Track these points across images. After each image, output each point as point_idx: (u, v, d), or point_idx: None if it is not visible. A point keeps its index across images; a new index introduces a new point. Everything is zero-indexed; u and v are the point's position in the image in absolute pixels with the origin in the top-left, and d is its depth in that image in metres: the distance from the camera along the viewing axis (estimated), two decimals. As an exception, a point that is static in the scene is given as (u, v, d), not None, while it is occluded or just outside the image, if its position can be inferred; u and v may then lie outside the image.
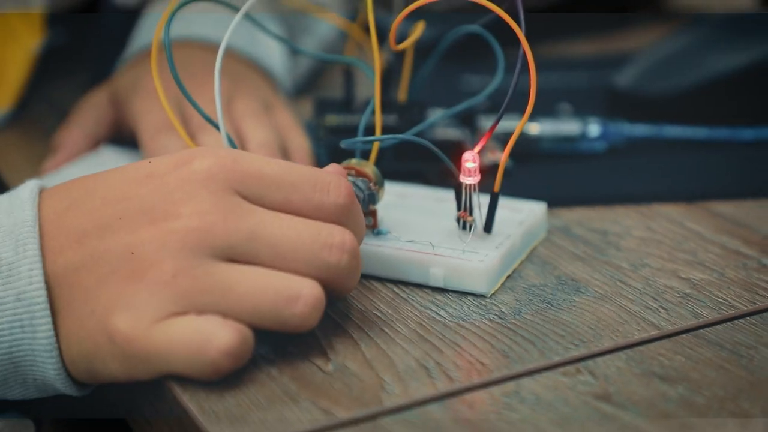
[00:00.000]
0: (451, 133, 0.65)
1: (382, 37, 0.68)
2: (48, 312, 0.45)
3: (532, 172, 0.64)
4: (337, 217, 0.47)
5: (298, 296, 0.44)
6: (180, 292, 0.44)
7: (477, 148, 0.52)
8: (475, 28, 0.59)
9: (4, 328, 0.45)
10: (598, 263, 0.54)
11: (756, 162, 0.65)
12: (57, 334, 0.45)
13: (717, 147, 0.67)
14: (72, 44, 0.85)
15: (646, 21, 0.97)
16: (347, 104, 0.69)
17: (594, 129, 0.66)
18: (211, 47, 0.70)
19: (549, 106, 0.70)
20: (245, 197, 0.46)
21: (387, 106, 0.65)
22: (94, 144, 0.67)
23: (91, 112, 0.68)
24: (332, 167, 0.50)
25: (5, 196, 0.48)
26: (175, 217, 0.45)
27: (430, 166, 0.63)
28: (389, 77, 0.69)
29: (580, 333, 0.48)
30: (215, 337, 0.43)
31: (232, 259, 0.45)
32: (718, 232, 0.57)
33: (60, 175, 0.63)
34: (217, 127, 0.53)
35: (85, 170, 0.61)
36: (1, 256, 0.45)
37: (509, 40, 0.54)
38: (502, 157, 0.52)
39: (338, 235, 0.46)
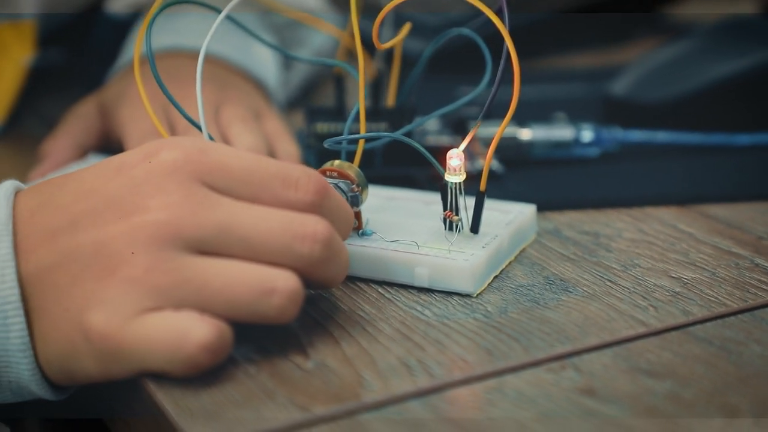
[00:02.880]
0: (443, 139, 0.65)
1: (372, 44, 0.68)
2: (21, 311, 0.44)
3: (524, 177, 0.64)
4: (307, 212, 0.46)
5: (274, 288, 0.43)
6: (153, 288, 0.43)
7: (461, 146, 0.51)
8: (464, 30, 0.58)
9: None
10: (587, 264, 0.53)
11: (750, 166, 0.65)
12: (32, 335, 0.44)
13: (711, 152, 0.66)
14: (66, 62, 0.84)
15: (645, 33, 0.97)
16: (338, 112, 0.68)
17: (587, 134, 0.65)
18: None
19: (545, 116, 0.69)
20: (213, 189, 0.45)
21: (377, 113, 0.64)
22: (81, 154, 0.66)
23: (78, 122, 0.67)
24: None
25: None
26: (143, 210, 0.44)
27: (419, 169, 0.62)
28: (380, 85, 0.68)
29: (566, 331, 0.47)
30: (192, 331, 0.43)
31: (203, 252, 0.44)
32: (710, 233, 0.56)
33: (46, 183, 0.62)
34: (199, 128, 0.52)
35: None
36: None
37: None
38: (488, 155, 0.51)
39: (311, 225, 0.45)
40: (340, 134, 0.65)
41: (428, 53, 0.61)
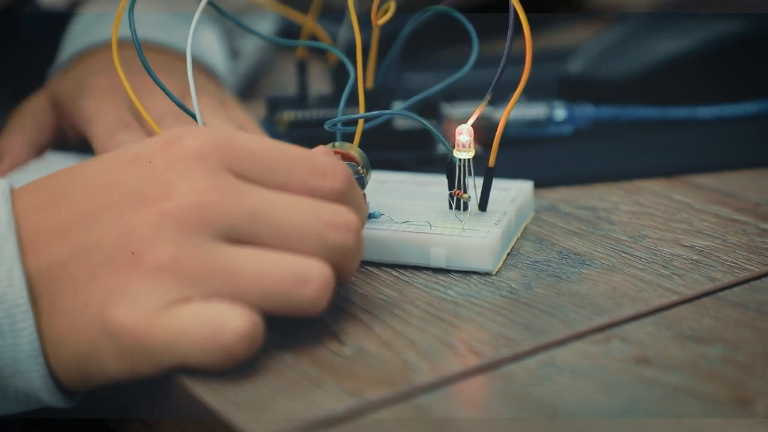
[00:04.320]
0: (415, 123, 0.63)
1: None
2: (30, 314, 0.41)
3: (502, 157, 0.62)
4: (334, 201, 0.44)
5: (309, 278, 0.41)
6: (182, 277, 0.41)
7: (470, 121, 0.50)
8: (442, 8, 0.57)
9: None
10: (595, 237, 0.52)
11: (724, 136, 0.65)
12: (42, 338, 0.41)
13: (680, 126, 0.66)
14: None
15: (568, 20, 0.97)
16: (302, 100, 0.67)
17: (560, 113, 0.65)
18: (154, 47, 0.67)
19: (502, 97, 0.68)
20: (240, 176, 0.43)
21: (354, 96, 0.63)
22: (38, 151, 0.62)
23: (31, 118, 0.63)
24: (321, 149, 0.47)
25: None
26: (168, 196, 0.41)
27: (398, 153, 0.61)
28: (345, 69, 0.66)
29: (598, 303, 0.46)
30: (228, 321, 0.40)
31: (233, 240, 0.42)
32: (707, 202, 0.56)
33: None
34: (193, 116, 0.50)
35: (34, 177, 0.57)
36: None
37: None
38: (498, 128, 0.50)
39: (342, 215, 0.43)
40: (309, 120, 0.63)
41: (406, 33, 0.59)
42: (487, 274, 0.49)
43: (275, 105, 0.65)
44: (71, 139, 0.64)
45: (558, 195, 0.58)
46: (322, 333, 0.44)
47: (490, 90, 0.50)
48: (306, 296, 0.41)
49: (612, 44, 0.73)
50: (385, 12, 0.54)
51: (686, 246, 0.51)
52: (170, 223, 0.41)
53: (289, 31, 0.80)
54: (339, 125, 0.51)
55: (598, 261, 0.49)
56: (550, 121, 0.65)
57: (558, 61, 0.75)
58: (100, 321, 0.41)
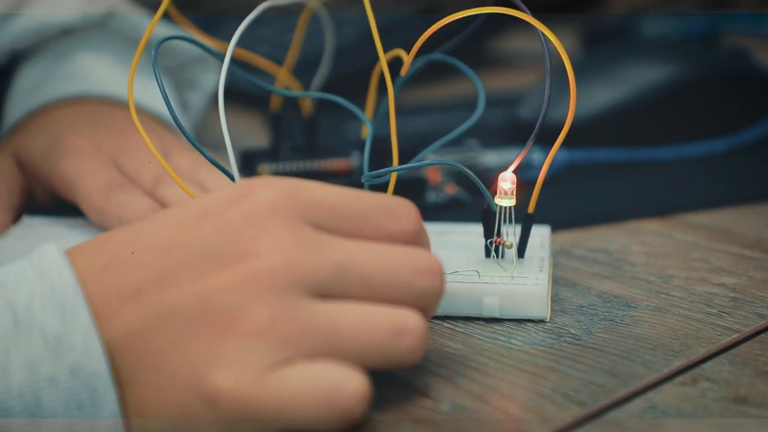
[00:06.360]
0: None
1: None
2: (112, 385, 0.38)
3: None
4: (408, 242, 0.43)
5: (405, 329, 0.40)
6: (282, 339, 0.39)
7: (512, 167, 0.50)
8: (438, 56, 0.57)
9: (56, 410, 0.38)
10: (625, 279, 0.53)
11: (691, 176, 0.67)
12: (125, 411, 0.39)
13: (640, 167, 0.68)
14: None
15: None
16: (274, 152, 0.65)
17: (537, 157, 0.65)
18: (114, 104, 0.64)
19: (455, 143, 0.68)
20: (316, 227, 0.41)
21: (335, 148, 0.62)
22: (15, 216, 0.58)
23: (0, 182, 0.59)
24: None
25: (23, 263, 0.40)
26: (253, 255, 0.40)
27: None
28: (315, 120, 0.66)
29: (667, 344, 0.46)
30: (343, 383, 0.39)
31: (321, 295, 0.40)
32: (711, 240, 0.57)
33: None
34: (231, 177, 0.48)
35: (21, 245, 0.54)
36: (45, 327, 0.39)
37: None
38: (542, 170, 0.50)
39: (426, 259, 0.42)
40: (291, 173, 0.62)
41: (403, 81, 0.58)
42: (541, 321, 0.48)
43: (250, 158, 0.63)
44: (40, 201, 0.60)
45: (563, 239, 0.58)
46: (406, 390, 0.43)
47: (533, 135, 0.50)
48: (404, 348, 0.40)
49: (560, 89, 0.74)
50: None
51: (717, 284, 0.52)
52: (261, 283, 0.39)
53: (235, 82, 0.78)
54: (368, 178, 0.50)
55: (642, 303, 0.50)
56: (528, 165, 0.65)
57: (506, 105, 0.76)
58: (195, 389, 0.38)
